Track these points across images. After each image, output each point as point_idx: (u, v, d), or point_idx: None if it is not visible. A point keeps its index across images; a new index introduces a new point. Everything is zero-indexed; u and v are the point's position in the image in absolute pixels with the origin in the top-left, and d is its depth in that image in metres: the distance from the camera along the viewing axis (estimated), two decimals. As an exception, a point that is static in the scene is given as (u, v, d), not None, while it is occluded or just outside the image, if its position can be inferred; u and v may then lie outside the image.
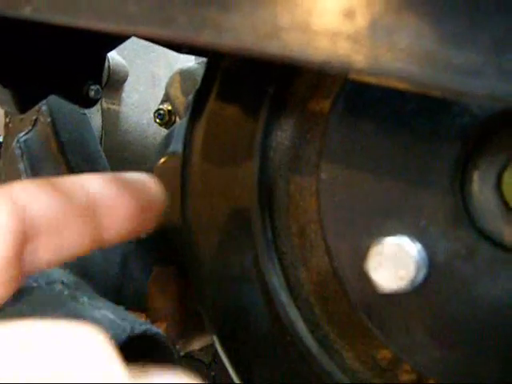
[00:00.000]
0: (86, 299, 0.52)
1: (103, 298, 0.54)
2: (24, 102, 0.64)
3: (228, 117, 0.57)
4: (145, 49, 1.17)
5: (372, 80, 0.35)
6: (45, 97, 0.68)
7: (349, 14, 0.28)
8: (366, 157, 0.48)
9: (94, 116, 0.97)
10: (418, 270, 0.44)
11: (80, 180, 0.34)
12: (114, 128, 1.02)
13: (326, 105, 0.53)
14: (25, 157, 0.71)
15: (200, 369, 0.86)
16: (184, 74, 1.00)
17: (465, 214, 0.46)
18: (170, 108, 1.00)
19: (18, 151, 0.73)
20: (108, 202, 0.34)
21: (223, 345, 0.61)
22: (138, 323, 0.49)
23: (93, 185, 0.34)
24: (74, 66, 0.68)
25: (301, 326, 0.56)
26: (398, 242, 0.44)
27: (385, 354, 0.54)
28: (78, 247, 0.34)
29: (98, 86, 0.73)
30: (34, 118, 0.77)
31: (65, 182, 0.34)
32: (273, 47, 0.30)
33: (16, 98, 0.62)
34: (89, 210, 0.34)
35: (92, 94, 0.73)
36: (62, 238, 0.33)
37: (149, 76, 1.17)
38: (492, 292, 0.45)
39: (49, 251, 0.33)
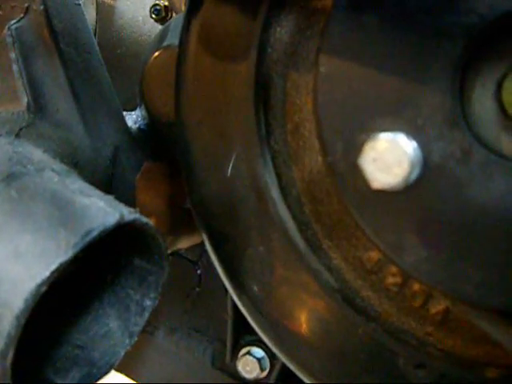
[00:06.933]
0: (76, 186, 0.51)
1: (93, 187, 0.53)
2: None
3: (226, 11, 0.56)
4: None
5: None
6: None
7: None
8: (366, 53, 0.47)
9: (88, 8, 0.95)
10: (412, 167, 0.44)
11: None
12: (109, 23, 0.99)
13: (328, 1, 0.52)
14: (16, 45, 0.69)
15: (186, 266, 0.87)
16: (182, -31, 0.97)
17: (462, 117, 0.46)
18: (166, 3, 0.97)
19: (9, 39, 0.71)
20: None
21: (212, 241, 0.61)
22: (127, 211, 0.49)
23: None
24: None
25: (290, 224, 0.56)
26: (394, 138, 0.44)
27: (371, 256, 0.55)
28: None
29: (93, -26, 0.70)
30: (26, 5, 0.75)
31: None
32: None
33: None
34: None
35: (86, -19, 0.71)
36: None
37: (146, -30, 1.13)
38: (484, 195, 0.45)
39: None
